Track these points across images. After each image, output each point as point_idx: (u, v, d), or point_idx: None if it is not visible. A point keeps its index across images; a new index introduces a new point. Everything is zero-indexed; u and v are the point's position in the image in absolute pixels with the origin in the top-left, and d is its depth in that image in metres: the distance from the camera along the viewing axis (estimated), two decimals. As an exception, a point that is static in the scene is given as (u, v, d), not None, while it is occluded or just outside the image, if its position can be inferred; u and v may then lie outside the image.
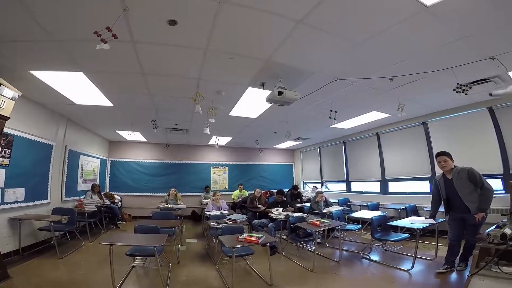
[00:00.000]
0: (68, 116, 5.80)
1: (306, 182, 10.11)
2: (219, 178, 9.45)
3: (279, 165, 10.52)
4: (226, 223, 4.58)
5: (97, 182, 7.61)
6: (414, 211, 5.44)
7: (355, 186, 7.77)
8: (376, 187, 6.87)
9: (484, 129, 4.73)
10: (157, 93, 4.31)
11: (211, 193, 8.58)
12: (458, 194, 3.27)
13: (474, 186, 3.17)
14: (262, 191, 9.40)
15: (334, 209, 5.60)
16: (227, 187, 9.45)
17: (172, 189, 7.30)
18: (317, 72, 3.45)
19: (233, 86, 3.93)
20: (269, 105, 4.65)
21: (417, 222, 3.74)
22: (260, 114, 5.32)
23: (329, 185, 8.97)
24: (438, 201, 3.65)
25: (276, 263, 4.07)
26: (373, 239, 4.17)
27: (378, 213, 4.92)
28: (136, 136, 7.88)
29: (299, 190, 8.39)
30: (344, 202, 7.06)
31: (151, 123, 5.61)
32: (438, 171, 5.42)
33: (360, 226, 5.20)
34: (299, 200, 7.16)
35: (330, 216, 5.16)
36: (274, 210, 5.42)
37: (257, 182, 9.81)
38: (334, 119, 4.53)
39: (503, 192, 4.42)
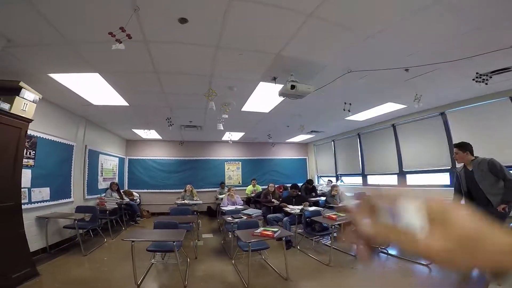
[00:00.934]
0: (86, 116, 5.98)
1: (321, 176, 10.00)
2: (233, 173, 9.53)
3: (292, 159, 10.46)
4: (242, 217, 4.63)
5: (116, 180, 7.84)
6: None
7: (371, 179, 7.60)
8: (393, 180, 6.68)
9: (506, 119, 4.47)
10: (171, 91, 4.36)
11: (226, 189, 8.71)
12: (479, 187, 3.12)
13: (495, 178, 3.00)
14: (276, 186, 9.45)
15: (351, 202, 5.51)
16: (241, 182, 9.51)
17: (188, 185, 7.44)
18: (329, 65, 3.37)
19: (245, 81, 3.92)
20: (281, 99, 4.62)
21: None
22: (272, 108, 5.27)
23: (344, 178, 8.83)
24: (460, 193, 3.49)
25: (291, 257, 4.08)
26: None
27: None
28: (152, 134, 8.05)
29: (313, 184, 8.34)
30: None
31: (166, 121, 5.70)
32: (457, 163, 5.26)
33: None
34: (314, 194, 7.10)
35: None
36: (289, 205, 5.44)
37: (271, 177, 9.81)
38: (349, 111, 4.42)
39: None
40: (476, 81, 3.17)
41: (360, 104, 4.98)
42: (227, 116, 4.65)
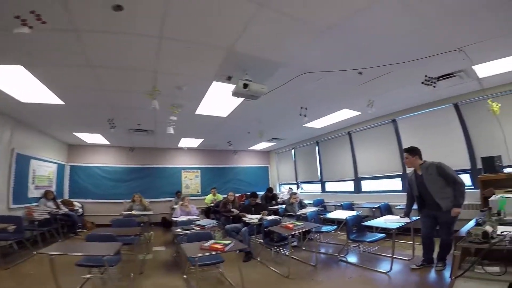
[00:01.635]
0: (14, 116, 5.12)
1: (282, 184, 9.95)
2: (191, 182, 8.98)
3: (255, 167, 10.27)
4: (193, 229, 4.25)
5: (54, 188, 6.91)
6: (387, 209, 5.43)
7: (329, 186, 7.73)
8: (349, 186, 6.85)
9: (451, 125, 4.83)
10: (110, 89, 3.88)
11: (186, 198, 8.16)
12: (428, 191, 3.17)
13: (445, 181, 3.06)
14: (238, 195, 9.14)
15: (309, 210, 5.45)
16: (200, 191, 9.00)
17: (136, 195, 6.76)
18: (285, 65, 3.25)
19: (196, 80, 3.63)
20: (238, 102, 4.41)
21: (392, 221, 3.63)
22: (230, 112, 5.03)
23: (304, 185, 8.88)
24: (412, 198, 3.57)
25: (251, 270, 3.85)
26: (349, 241, 4.04)
27: (353, 212, 4.83)
28: (97, 138, 7.25)
29: (274, 192, 8.21)
30: (319, 203, 6.96)
31: (108, 122, 5.11)
32: (408, 169, 5.53)
33: (335, 226, 5.07)
34: (274, 202, 6.94)
35: (305, 218, 4.99)
36: (248, 214, 5.17)
37: (233, 185, 9.48)
38: (305, 116, 4.38)
39: (472, 187, 4.50)
40: (425, 84, 3.32)
41: (316, 109, 4.98)
42: (175, 118, 4.29)
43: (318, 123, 6.26)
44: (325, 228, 4.91)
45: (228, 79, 3.52)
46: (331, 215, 4.95)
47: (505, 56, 3.14)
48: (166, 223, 7.94)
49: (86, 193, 7.91)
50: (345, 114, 5.61)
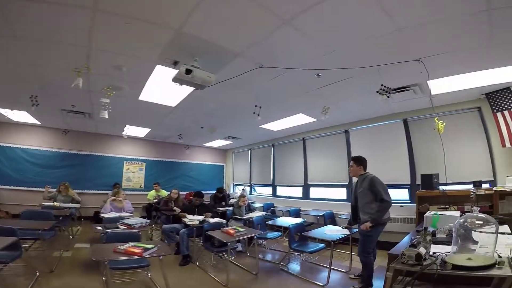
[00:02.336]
0: None
1: (236, 185, 9.65)
2: (133, 175, 8.15)
3: (209, 165, 9.77)
4: (118, 228, 3.73)
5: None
6: (331, 218, 5.48)
7: (280, 191, 7.65)
8: (299, 192, 6.83)
9: (398, 140, 5.02)
10: (37, 63, 3.26)
11: (121, 191, 7.36)
12: (358, 203, 3.15)
13: (373, 196, 2.93)
14: (186, 193, 8.60)
15: (256, 214, 5.22)
16: (143, 186, 8.21)
17: (63, 184, 5.88)
18: (240, 55, 2.95)
19: (137, 61, 3.17)
20: (187, 92, 4.00)
21: (332, 232, 3.56)
22: (179, 102, 4.56)
23: (258, 188, 8.71)
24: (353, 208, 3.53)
25: (186, 275, 3.59)
26: (290, 250, 3.89)
27: (297, 220, 4.72)
28: (24, 117, 6.14)
29: (226, 192, 7.86)
30: (269, 207, 6.82)
31: (30, 99, 4.30)
32: (354, 179, 5.65)
33: (280, 233, 4.91)
34: (223, 203, 6.59)
35: (251, 222, 4.76)
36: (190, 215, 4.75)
37: (183, 182, 8.86)
38: (258, 115, 4.14)
39: (409, 201, 4.70)
40: (380, 93, 3.29)
41: (272, 110, 4.78)
42: (108, 101, 3.74)
43: (275, 126, 6.11)
44: (270, 234, 4.73)
45: (174, 64, 3.11)
46: (274, 222, 4.78)
47: (461, 72, 3.24)
48: (99, 218, 7.05)
49: (4, 178, 6.67)
50: (300, 119, 5.54)
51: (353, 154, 5.64)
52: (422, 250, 1.56)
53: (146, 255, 2.55)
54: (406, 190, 4.83)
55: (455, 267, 1.46)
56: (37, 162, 7.07)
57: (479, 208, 1.91)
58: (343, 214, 5.13)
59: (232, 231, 3.65)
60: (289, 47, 2.80)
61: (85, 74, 3.21)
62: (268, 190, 7.97)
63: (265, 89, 3.87)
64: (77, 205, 5.71)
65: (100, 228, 3.72)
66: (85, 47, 2.85)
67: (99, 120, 6.08)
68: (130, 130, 7.08)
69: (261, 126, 6.07)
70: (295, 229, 4.06)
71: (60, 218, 4.69)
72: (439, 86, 3.63)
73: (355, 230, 3.61)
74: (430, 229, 2.50)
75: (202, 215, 4.72)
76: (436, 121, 3.32)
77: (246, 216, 5.08)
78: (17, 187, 6.79)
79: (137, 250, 2.52)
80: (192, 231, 4.27)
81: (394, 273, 1.68)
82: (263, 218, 5.07)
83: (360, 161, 3.24)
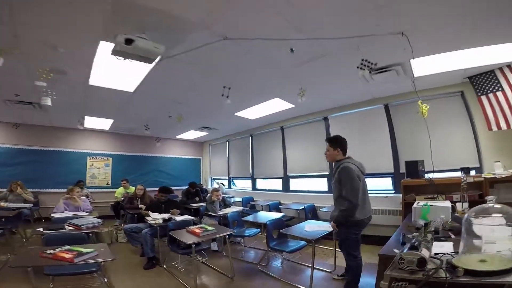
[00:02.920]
0: None
1: (214, 179, 9.11)
2: (99, 171, 7.39)
3: (185, 159, 9.14)
4: (64, 229, 3.20)
5: None
6: (313, 211, 5.13)
7: (260, 183, 7.23)
8: (279, 184, 6.44)
9: (380, 127, 4.71)
10: None
11: (85, 190, 6.65)
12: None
13: (341, 190, 2.47)
14: (159, 188, 7.97)
15: (232, 210, 4.77)
16: (110, 182, 7.48)
17: (14, 183, 5.23)
18: (198, 26, 2.44)
19: (75, 38, 2.59)
20: (144, 73, 3.45)
21: (313, 228, 3.16)
22: (137, 87, 3.96)
23: (237, 181, 8.24)
24: None
25: (152, 279, 3.26)
26: (269, 249, 3.48)
27: (276, 215, 4.33)
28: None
29: (202, 187, 7.35)
30: (248, 201, 6.39)
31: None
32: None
33: (259, 230, 4.47)
34: (197, 199, 6.07)
35: (226, 218, 4.32)
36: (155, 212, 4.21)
37: (155, 178, 8.24)
38: (227, 97, 3.65)
39: (393, 191, 4.41)
40: (361, 68, 2.87)
41: (245, 93, 4.26)
42: (45, 84, 3.14)
43: (251, 114, 5.63)
44: (248, 231, 4.29)
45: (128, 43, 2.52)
46: (250, 217, 4.35)
47: (446, 50, 2.93)
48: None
49: None
50: (277, 106, 5.09)
51: (333, 142, 5.39)
52: (425, 252, 1.17)
53: (79, 261, 2.10)
54: (390, 179, 4.54)
55: (468, 272, 1.13)
56: (-15, 160, 6.21)
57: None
58: (324, 207, 4.78)
59: (198, 231, 3.18)
60: (256, 15, 2.32)
61: (17, 56, 2.64)
62: (248, 183, 7.52)
63: (233, 69, 3.37)
64: (27, 205, 5.01)
65: (40, 229, 3.18)
66: (8, 24, 2.28)
67: (52, 111, 5.35)
68: (91, 122, 6.38)
69: (236, 114, 5.58)
70: (273, 225, 3.67)
71: (3, 219, 4.09)
72: (422, 67, 3.32)
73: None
74: (420, 221, 2.18)
75: (169, 213, 4.23)
76: (420, 104, 3.05)
77: (220, 212, 4.61)
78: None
79: (67, 255, 2.09)
80: (156, 230, 3.77)
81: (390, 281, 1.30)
82: (239, 213, 4.63)
83: (337, 143, 2.71)
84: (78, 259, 2.09)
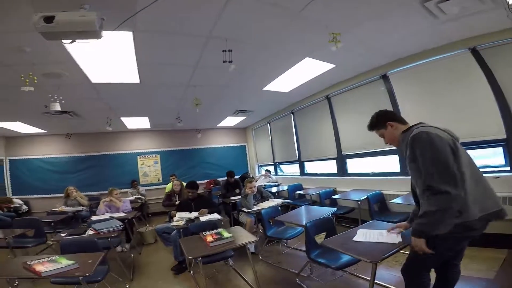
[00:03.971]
0: None
1: (261, 165, 8.44)
2: (149, 169, 7.57)
3: (229, 147, 8.70)
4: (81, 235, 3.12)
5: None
6: (381, 201, 3.87)
7: (309, 167, 6.16)
8: (333, 167, 5.25)
9: (469, 77, 3.12)
10: None
11: (140, 188, 6.89)
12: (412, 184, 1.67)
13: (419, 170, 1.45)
14: (206, 181, 7.78)
15: (270, 204, 3.97)
16: (161, 179, 7.61)
17: (69, 188, 5.53)
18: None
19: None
20: (133, 58, 2.90)
21: (370, 237, 1.98)
22: (139, 75, 3.46)
23: (284, 167, 7.36)
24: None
25: (171, 286, 3.03)
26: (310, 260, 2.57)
27: (325, 211, 3.33)
28: (28, 127, 5.97)
29: (246, 176, 6.73)
30: (294, 190, 5.46)
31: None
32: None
33: (301, 229, 3.53)
34: (237, 191, 5.46)
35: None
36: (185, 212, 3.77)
37: (202, 170, 8.07)
38: (230, 62, 2.76)
39: (508, 168, 2.84)
40: None
41: (258, 57, 3.26)
42: (32, 89, 2.86)
43: (283, 85, 4.60)
44: (288, 232, 3.44)
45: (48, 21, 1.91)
46: (287, 216, 3.45)
47: None
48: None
49: (32, 189, 6.83)
50: (313, 69, 3.92)
51: (401, 104, 3.94)
52: None
53: (47, 275, 1.88)
54: (501, 149, 2.93)
55: None
56: (56, 169, 7.05)
57: None
58: (397, 197, 3.44)
59: (210, 238, 2.50)
60: None
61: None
62: (296, 168, 6.54)
63: (230, 23, 2.45)
64: (79, 208, 5.28)
65: (63, 235, 3.14)
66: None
67: (87, 117, 5.50)
68: (131, 122, 6.46)
69: (265, 89, 4.65)
70: (315, 228, 2.70)
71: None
72: None
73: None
74: None
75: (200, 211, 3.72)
76: None
77: (256, 208, 3.87)
78: (44, 195, 6.88)
79: (40, 267, 1.91)
80: (185, 231, 3.27)
81: None
82: (276, 209, 3.81)
83: (381, 119, 1.78)
84: (46, 273, 1.87)
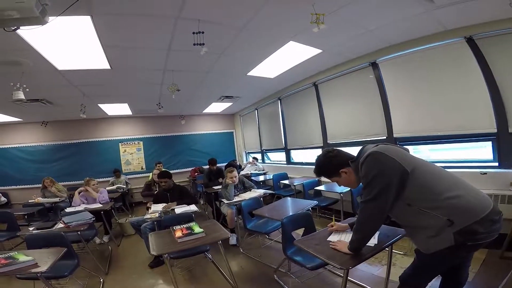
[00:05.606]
0: None
1: (249, 153, 8.29)
2: (132, 157, 7.31)
3: (215, 134, 8.47)
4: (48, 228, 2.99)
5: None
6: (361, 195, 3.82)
7: (295, 155, 6.04)
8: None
9: (461, 68, 2.97)
10: None
11: (122, 177, 6.67)
12: None
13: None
14: (191, 169, 7.61)
15: (251, 195, 3.85)
16: (144, 167, 7.38)
17: (45, 179, 5.29)
18: None
19: None
20: (97, 41, 2.61)
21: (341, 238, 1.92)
22: (108, 60, 3.17)
23: (271, 154, 7.24)
24: None
25: (142, 282, 2.90)
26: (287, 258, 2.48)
27: (306, 204, 3.23)
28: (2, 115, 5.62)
29: (233, 164, 6.57)
30: (279, 179, 5.35)
31: None
32: (397, 129, 3.78)
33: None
34: (221, 180, 5.30)
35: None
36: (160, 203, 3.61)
37: (188, 157, 7.88)
38: (202, 45, 2.53)
39: (497, 164, 2.74)
40: None
41: (236, 39, 2.99)
42: None
43: (268, 71, 4.36)
44: (271, 224, 3.33)
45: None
46: (263, 210, 3.32)
47: None
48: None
49: (9, 179, 6.54)
50: (299, 53, 3.69)
51: (390, 92, 3.79)
52: None
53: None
54: (489, 143, 2.84)
55: None
56: (33, 159, 6.71)
57: None
58: None
59: (180, 233, 2.36)
60: None
61: None
62: (282, 156, 6.42)
63: (201, 2, 2.18)
64: (56, 199, 5.08)
65: (30, 229, 3.01)
66: None
67: (61, 105, 5.17)
68: (111, 109, 6.14)
69: (249, 74, 4.40)
70: (292, 223, 2.59)
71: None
72: None
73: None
74: None
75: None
76: None
77: (236, 199, 3.74)
78: (23, 186, 6.60)
79: None
80: (154, 224, 3.17)
81: None
82: (258, 200, 3.70)
83: (338, 165, 1.62)
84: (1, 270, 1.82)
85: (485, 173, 2.65)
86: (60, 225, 3.08)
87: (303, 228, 2.64)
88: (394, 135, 3.74)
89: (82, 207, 4.07)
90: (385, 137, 3.89)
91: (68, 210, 3.97)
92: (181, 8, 2.22)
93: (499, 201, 2.44)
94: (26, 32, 2.11)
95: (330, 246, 1.73)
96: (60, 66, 3.23)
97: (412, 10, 2.58)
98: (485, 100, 2.76)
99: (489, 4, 2.35)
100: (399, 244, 2.80)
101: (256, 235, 3.76)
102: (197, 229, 2.45)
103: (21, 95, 3.24)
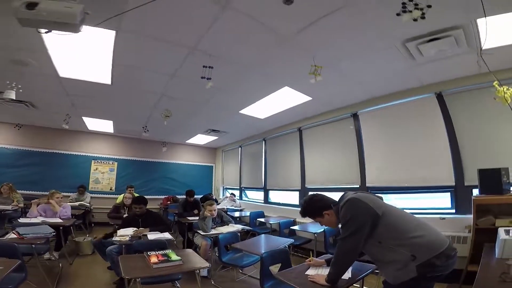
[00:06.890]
0: None
1: (227, 188, 8.22)
2: (103, 176, 6.94)
3: (195, 165, 8.41)
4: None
5: None
6: (336, 235, 3.92)
7: (274, 196, 6.13)
8: (295, 198, 5.28)
9: (431, 124, 3.43)
10: None
11: (86, 195, 6.21)
12: None
13: None
14: (164, 197, 7.32)
15: (229, 229, 3.78)
16: (114, 188, 6.97)
17: (5, 185, 4.88)
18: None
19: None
20: (110, 58, 2.77)
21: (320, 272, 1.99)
22: (112, 76, 3.28)
23: (249, 192, 7.24)
24: None
25: None
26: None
27: (282, 242, 3.24)
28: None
29: (209, 197, 6.44)
30: (256, 217, 5.32)
31: None
32: (370, 179, 4.07)
33: (258, 258, 3.39)
34: (196, 211, 5.17)
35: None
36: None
37: (162, 185, 7.62)
38: (209, 79, 2.75)
39: (453, 211, 3.11)
40: (404, 11, 1.72)
41: (240, 81, 3.33)
42: None
43: (259, 111, 4.67)
44: (245, 259, 3.25)
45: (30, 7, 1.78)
46: (239, 245, 3.28)
47: None
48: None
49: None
50: (291, 99, 4.07)
51: (366, 147, 4.17)
52: None
53: None
54: (448, 194, 3.21)
55: None
56: (-7, 161, 6.11)
57: None
58: None
59: (155, 259, 2.24)
60: None
61: None
62: (260, 195, 6.46)
63: (215, 37, 2.46)
64: (9, 208, 4.58)
65: None
66: None
67: (45, 111, 5.01)
68: (93, 124, 6.01)
69: (241, 112, 4.68)
70: (271, 258, 2.58)
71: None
72: (494, 33, 2.08)
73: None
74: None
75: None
76: (497, 86, 1.97)
77: (212, 232, 3.65)
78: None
79: None
80: (121, 248, 2.96)
81: None
82: (236, 235, 3.64)
83: (322, 207, 1.80)
84: None
85: (443, 218, 3.02)
86: (12, 235, 2.80)
87: (280, 264, 2.63)
88: (367, 184, 4.03)
89: (39, 219, 3.73)
90: (358, 186, 4.16)
91: (21, 220, 3.65)
92: (199, 41, 2.47)
93: (455, 241, 2.73)
94: (52, 36, 2.18)
95: (309, 279, 1.80)
96: (62, 73, 3.26)
97: (398, 65, 2.91)
98: (446, 156, 3.18)
99: (460, 62, 2.76)
100: (368, 280, 2.85)
101: (229, 269, 3.61)
102: (174, 257, 2.35)
103: (12, 95, 3.19)
